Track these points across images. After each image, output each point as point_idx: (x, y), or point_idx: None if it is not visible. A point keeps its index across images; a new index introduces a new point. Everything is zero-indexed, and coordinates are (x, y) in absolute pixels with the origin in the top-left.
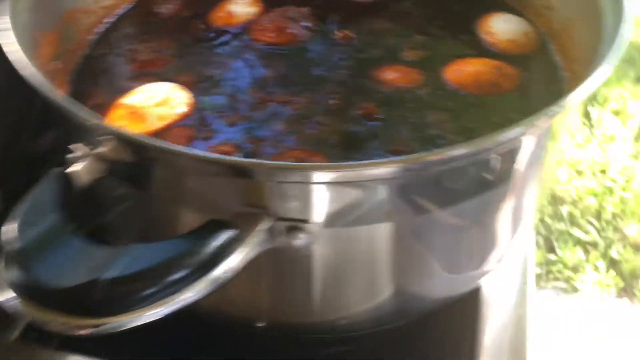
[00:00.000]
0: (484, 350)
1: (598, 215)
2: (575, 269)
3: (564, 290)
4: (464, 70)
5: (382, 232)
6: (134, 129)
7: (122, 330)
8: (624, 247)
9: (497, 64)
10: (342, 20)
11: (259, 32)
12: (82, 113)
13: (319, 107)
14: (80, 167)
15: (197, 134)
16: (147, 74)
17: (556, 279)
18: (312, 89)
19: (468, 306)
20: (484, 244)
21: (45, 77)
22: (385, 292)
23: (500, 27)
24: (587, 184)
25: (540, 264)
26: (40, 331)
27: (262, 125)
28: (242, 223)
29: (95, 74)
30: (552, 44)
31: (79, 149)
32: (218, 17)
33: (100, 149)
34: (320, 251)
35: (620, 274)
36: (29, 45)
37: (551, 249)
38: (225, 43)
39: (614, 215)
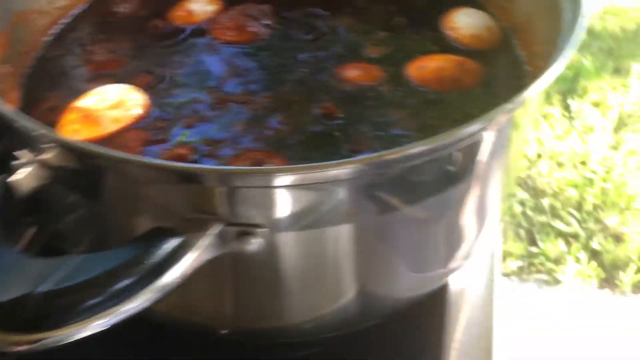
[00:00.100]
0: (452, 350)
1: (579, 207)
2: (557, 261)
3: (546, 283)
4: (426, 67)
5: (343, 234)
6: (87, 133)
7: (76, 341)
8: (605, 238)
9: (460, 59)
10: (304, 17)
11: (218, 30)
12: (22, 120)
13: (278, 106)
14: (23, 174)
15: (152, 136)
16: (104, 75)
17: (538, 271)
18: (272, 88)
19: (436, 305)
20: (450, 241)
21: None
22: (349, 294)
23: (464, 22)
24: (568, 176)
25: (522, 257)
26: None
27: (220, 126)
28: (190, 229)
29: (50, 77)
30: (515, 38)
31: (23, 155)
32: (177, 15)
33: (44, 156)
34: (279, 255)
35: (601, 264)
36: None
37: (533, 242)
38: (184, 42)
39: (595, 207)
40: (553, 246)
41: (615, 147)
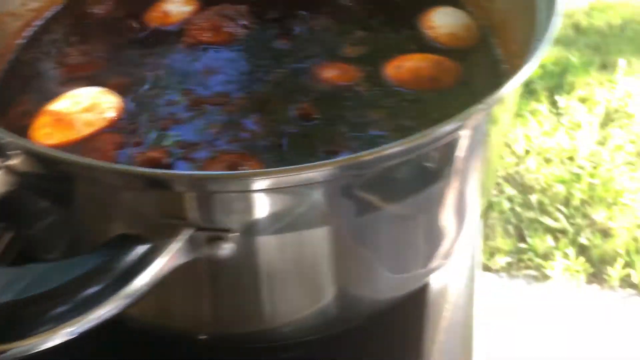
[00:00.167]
0: (434, 350)
1: (567, 203)
2: (545, 257)
3: (535, 279)
4: (403, 66)
5: (321, 236)
6: (60, 136)
7: (42, 351)
8: (593, 233)
9: (438, 58)
10: (281, 17)
11: (195, 31)
12: None
13: (255, 108)
14: None
15: (126, 139)
16: (78, 78)
17: (527, 267)
18: (248, 89)
19: (417, 305)
20: (430, 241)
21: None
22: (329, 296)
23: (442, 21)
24: (556, 172)
25: (511, 253)
26: None
27: (196, 129)
28: (160, 234)
29: (23, 80)
30: (493, 37)
31: None
32: (153, 16)
33: (11, 162)
34: (255, 259)
35: (589, 260)
36: None
37: (521, 238)
38: (160, 43)
39: (583, 202)
40: (541, 242)
41: (602, 143)
